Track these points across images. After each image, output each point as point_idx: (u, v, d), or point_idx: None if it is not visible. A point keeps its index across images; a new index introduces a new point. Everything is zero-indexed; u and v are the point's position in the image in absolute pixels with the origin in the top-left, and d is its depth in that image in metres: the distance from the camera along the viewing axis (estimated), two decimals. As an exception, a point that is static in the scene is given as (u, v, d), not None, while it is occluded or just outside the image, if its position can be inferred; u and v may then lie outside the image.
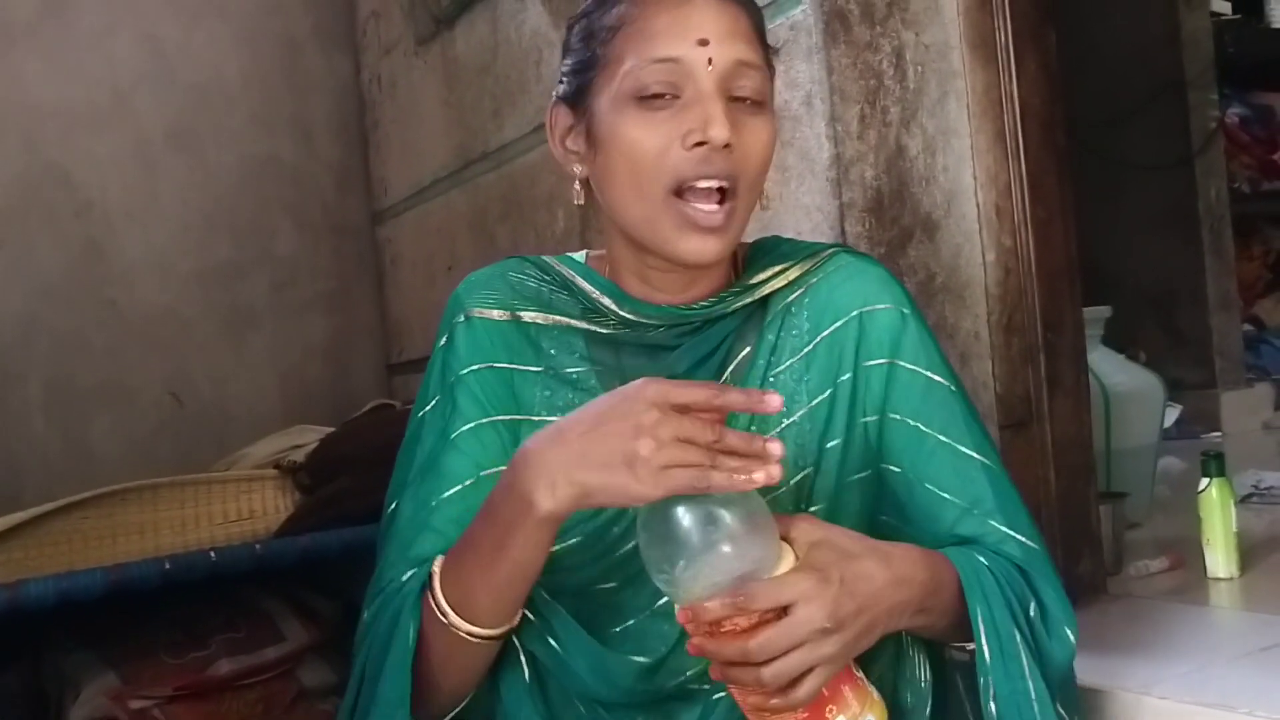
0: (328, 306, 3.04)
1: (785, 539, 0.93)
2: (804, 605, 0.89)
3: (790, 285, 1.14)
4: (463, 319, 1.13)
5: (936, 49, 1.58)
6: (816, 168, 1.56)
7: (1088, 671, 1.30)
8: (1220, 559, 1.68)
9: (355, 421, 2.40)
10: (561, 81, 1.12)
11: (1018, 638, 0.99)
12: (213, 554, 1.84)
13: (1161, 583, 1.72)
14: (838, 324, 1.12)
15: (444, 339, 1.14)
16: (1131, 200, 3.52)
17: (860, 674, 0.96)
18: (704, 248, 1.04)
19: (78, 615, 1.90)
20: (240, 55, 2.95)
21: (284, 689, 2.02)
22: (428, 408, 1.13)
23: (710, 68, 1.02)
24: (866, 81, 1.55)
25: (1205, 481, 1.69)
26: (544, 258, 1.18)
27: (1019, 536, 1.07)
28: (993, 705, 0.98)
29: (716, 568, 0.88)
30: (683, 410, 0.88)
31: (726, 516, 0.88)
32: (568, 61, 1.12)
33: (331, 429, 2.31)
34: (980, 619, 0.99)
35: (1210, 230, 3.51)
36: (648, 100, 1.03)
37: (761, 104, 1.06)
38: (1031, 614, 1.02)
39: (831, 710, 0.92)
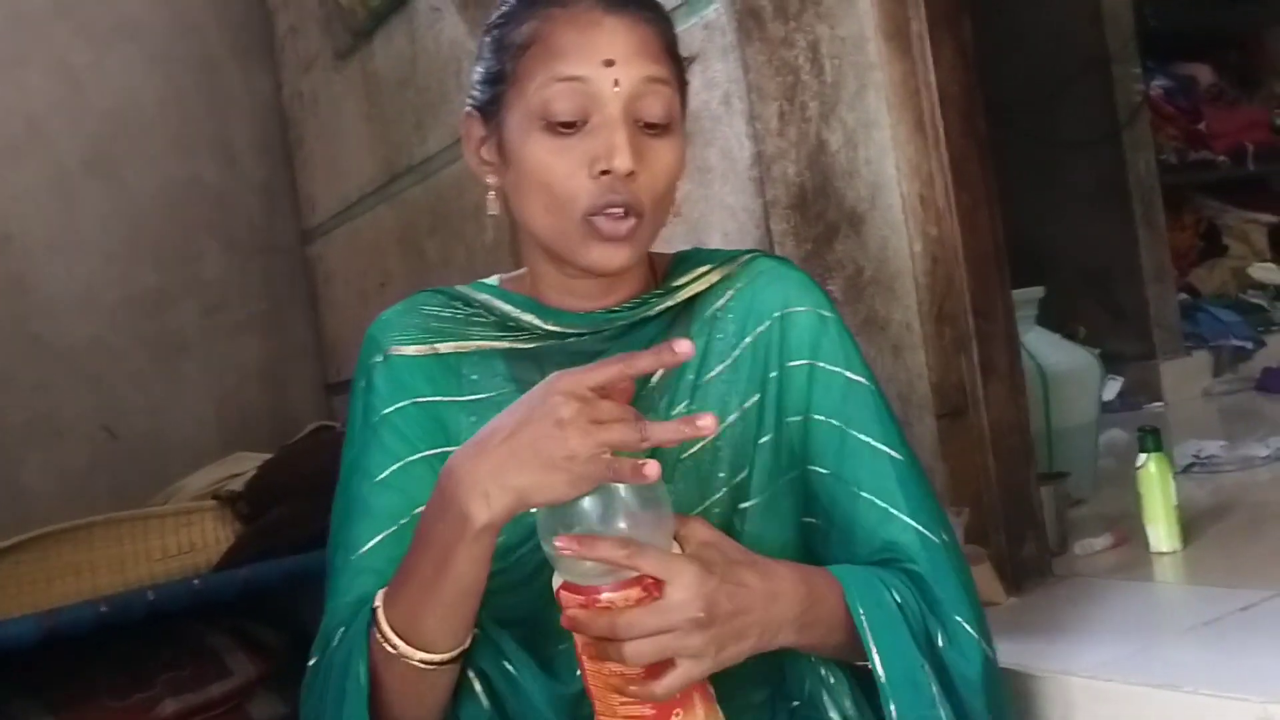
0: (261, 329, 3.00)
1: (675, 537, 0.94)
2: (680, 590, 0.89)
3: (713, 290, 1.14)
4: (380, 359, 1.12)
5: (852, 41, 1.58)
6: (738, 167, 1.55)
7: (1033, 657, 1.32)
8: (1162, 534, 1.69)
9: (293, 446, 2.37)
10: (474, 90, 1.12)
11: (926, 667, 0.99)
12: (150, 593, 1.81)
13: (1106, 560, 1.73)
14: (761, 327, 1.13)
15: (363, 381, 1.13)
16: (1062, 178, 3.55)
17: (711, 689, 0.95)
18: (611, 256, 1.04)
19: (15, 661, 1.85)
20: (155, 78, 2.91)
21: (234, 725, 1.99)
22: (354, 452, 1.11)
23: (616, 89, 1.02)
24: (784, 78, 1.54)
25: (1143, 458, 1.70)
26: (455, 287, 1.17)
27: (927, 533, 1.07)
28: None
29: None
30: (602, 394, 0.87)
31: (626, 494, 0.89)
32: (479, 70, 1.11)
33: (270, 455, 2.28)
34: (869, 631, 0.99)
35: (1141, 203, 3.55)
36: (555, 125, 1.03)
37: (669, 126, 1.06)
38: (940, 643, 1.02)
39: (678, 714, 0.92)
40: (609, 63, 1.02)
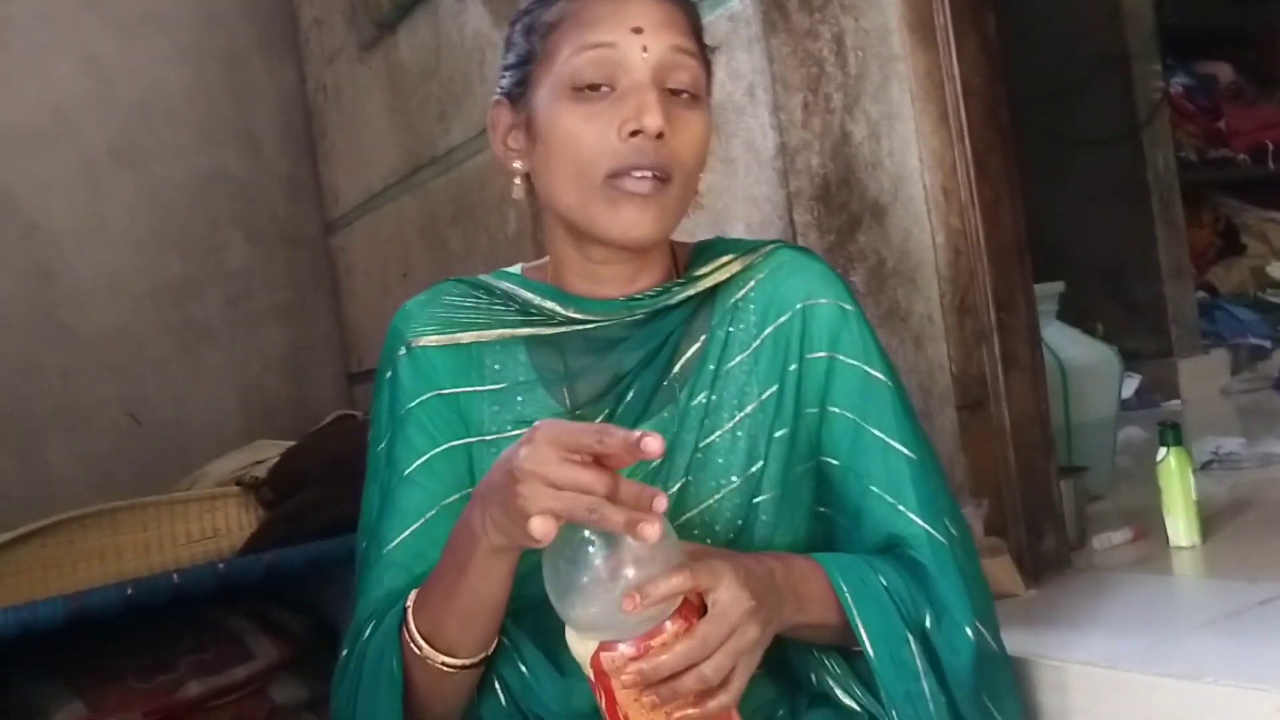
0: (284, 318, 3.02)
1: None
2: (727, 589, 0.91)
3: (735, 280, 1.15)
4: (404, 351, 1.13)
5: (876, 33, 1.58)
6: (763, 158, 1.56)
7: (1053, 647, 1.32)
8: (1181, 528, 1.69)
9: (316, 434, 2.39)
10: (503, 77, 1.13)
11: (911, 643, 1.01)
12: (175, 576, 1.82)
13: (1125, 554, 1.73)
14: (783, 318, 1.13)
15: (388, 373, 1.14)
16: (1081, 175, 3.55)
17: None
18: (639, 219, 1.04)
19: (42, 644, 1.87)
20: (182, 70, 2.92)
21: (256, 707, 2.00)
22: (381, 445, 1.13)
23: (645, 55, 1.03)
24: (808, 69, 1.55)
25: (1163, 451, 1.70)
26: (477, 276, 1.18)
27: (934, 532, 1.08)
28: (893, 713, 1.00)
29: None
30: (577, 452, 0.85)
31: (630, 542, 0.86)
32: (509, 57, 1.13)
33: (292, 443, 2.29)
34: (854, 607, 1.01)
35: (1160, 200, 3.55)
36: (583, 91, 1.04)
37: (696, 98, 1.07)
38: (928, 625, 1.04)
39: None
40: (637, 30, 1.03)
